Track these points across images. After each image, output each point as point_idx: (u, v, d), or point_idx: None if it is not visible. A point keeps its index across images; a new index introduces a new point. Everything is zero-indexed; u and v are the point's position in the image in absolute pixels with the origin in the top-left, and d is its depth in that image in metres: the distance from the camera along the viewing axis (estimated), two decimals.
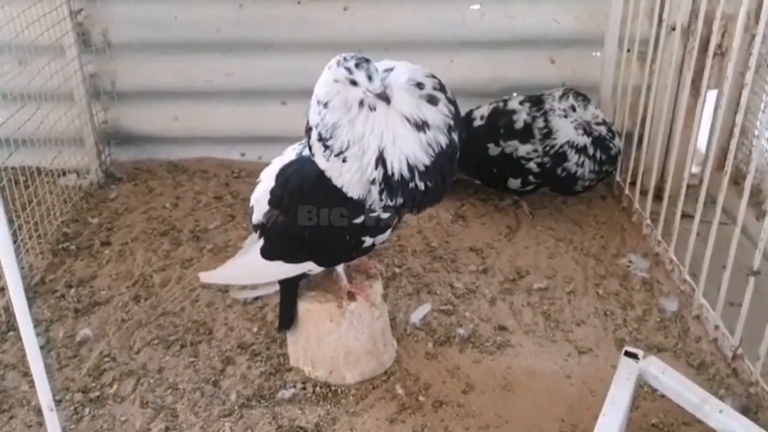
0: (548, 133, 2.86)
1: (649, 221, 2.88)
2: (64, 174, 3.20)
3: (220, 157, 3.52)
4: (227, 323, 2.44)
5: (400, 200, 1.84)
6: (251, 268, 2.11)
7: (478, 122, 3.04)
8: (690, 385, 1.82)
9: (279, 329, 2.30)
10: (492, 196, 3.20)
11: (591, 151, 2.86)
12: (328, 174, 1.85)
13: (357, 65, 1.74)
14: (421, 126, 1.79)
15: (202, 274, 2.19)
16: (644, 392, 2.12)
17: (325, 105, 1.80)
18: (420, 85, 1.83)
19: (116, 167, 3.43)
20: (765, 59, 2.71)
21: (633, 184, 3.05)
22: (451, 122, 1.84)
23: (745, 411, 2.02)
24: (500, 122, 2.97)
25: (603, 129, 2.89)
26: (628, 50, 3.05)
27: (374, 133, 1.78)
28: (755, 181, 2.64)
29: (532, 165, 2.91)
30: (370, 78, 1.73)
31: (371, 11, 3.21)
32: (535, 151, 2.89)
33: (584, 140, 2.85)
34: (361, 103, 1.78)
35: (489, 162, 2.99)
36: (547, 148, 2.86)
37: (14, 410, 2.10)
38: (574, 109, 2.84)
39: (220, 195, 3.24)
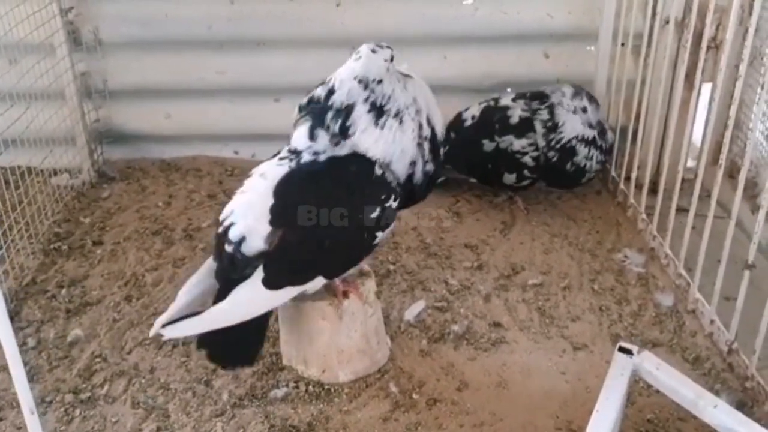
0: (553, 127, 2.86)
1: (644, 216, 2.86)
2: (55, 173, 3.18)
3: (213, 155, 3.50)
4: None
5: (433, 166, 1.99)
6: (247, 306, 1.89)
7: (469, 122, 3.04)
8: (684, 381, 1.81)
9: (239, 365, 2.12)
10: (486, 193, 3.19)
11: (599, 142, 2.90)
12: (365, 146, 1.90)
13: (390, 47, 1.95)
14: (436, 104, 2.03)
15: (165, 330, 1.87)
16: (640, 387, 2.11)
17: (379, 81, 1.91)
18: None
19: (108, 166, 3.42)
20: (759, 52, 2.70)
21: (628, 178, 3.03)
22: None
23: (741, 405, 2.01)
24: (494, 117, 2.96)
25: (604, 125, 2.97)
26: (623, 44, 3.03)
27: (419, 97, 1.98)
28: (750, 174, 2.63)
29: (527, 159, 2.90)
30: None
31: (364, 7, 3.19)
32: (531, 144, 2.88)
33: (592, 132, 2.88)
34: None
35: (483, 158, 2.98)
36: (553, 142, 2.86)
37: (3, 412, 2.08)
38: (585, 110, 2.86)
39: (213, 193, 3.22)
